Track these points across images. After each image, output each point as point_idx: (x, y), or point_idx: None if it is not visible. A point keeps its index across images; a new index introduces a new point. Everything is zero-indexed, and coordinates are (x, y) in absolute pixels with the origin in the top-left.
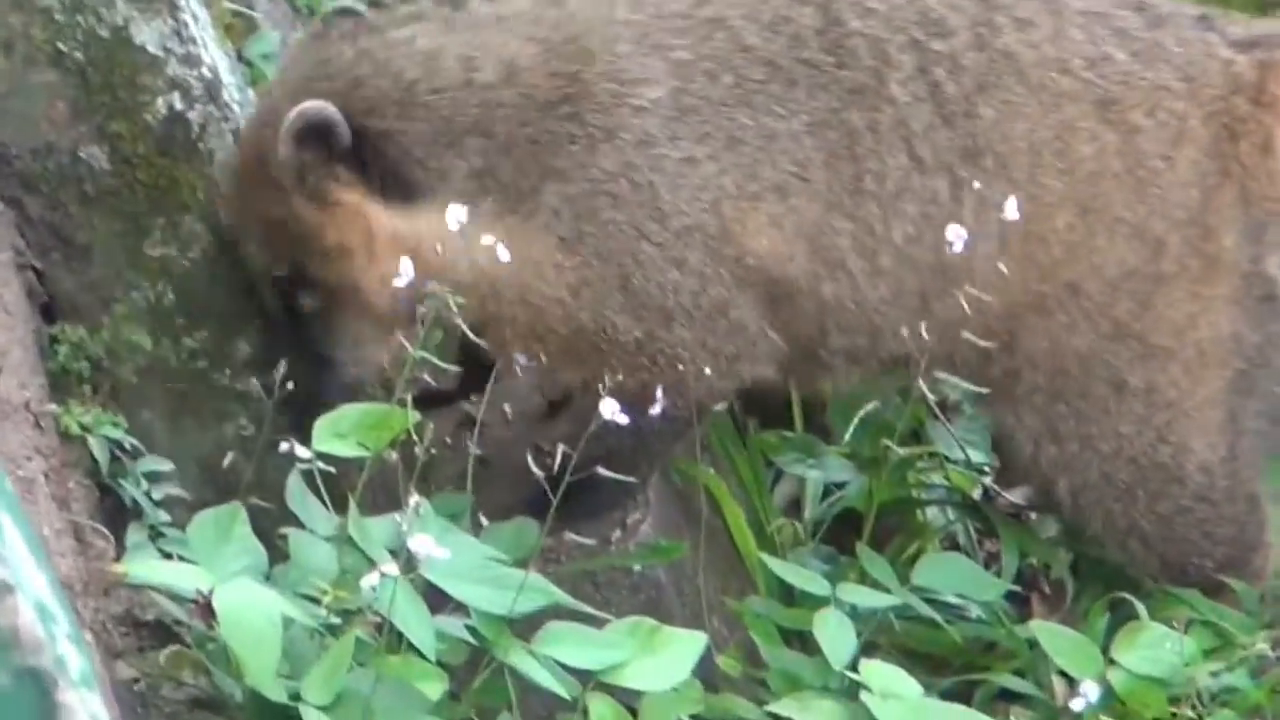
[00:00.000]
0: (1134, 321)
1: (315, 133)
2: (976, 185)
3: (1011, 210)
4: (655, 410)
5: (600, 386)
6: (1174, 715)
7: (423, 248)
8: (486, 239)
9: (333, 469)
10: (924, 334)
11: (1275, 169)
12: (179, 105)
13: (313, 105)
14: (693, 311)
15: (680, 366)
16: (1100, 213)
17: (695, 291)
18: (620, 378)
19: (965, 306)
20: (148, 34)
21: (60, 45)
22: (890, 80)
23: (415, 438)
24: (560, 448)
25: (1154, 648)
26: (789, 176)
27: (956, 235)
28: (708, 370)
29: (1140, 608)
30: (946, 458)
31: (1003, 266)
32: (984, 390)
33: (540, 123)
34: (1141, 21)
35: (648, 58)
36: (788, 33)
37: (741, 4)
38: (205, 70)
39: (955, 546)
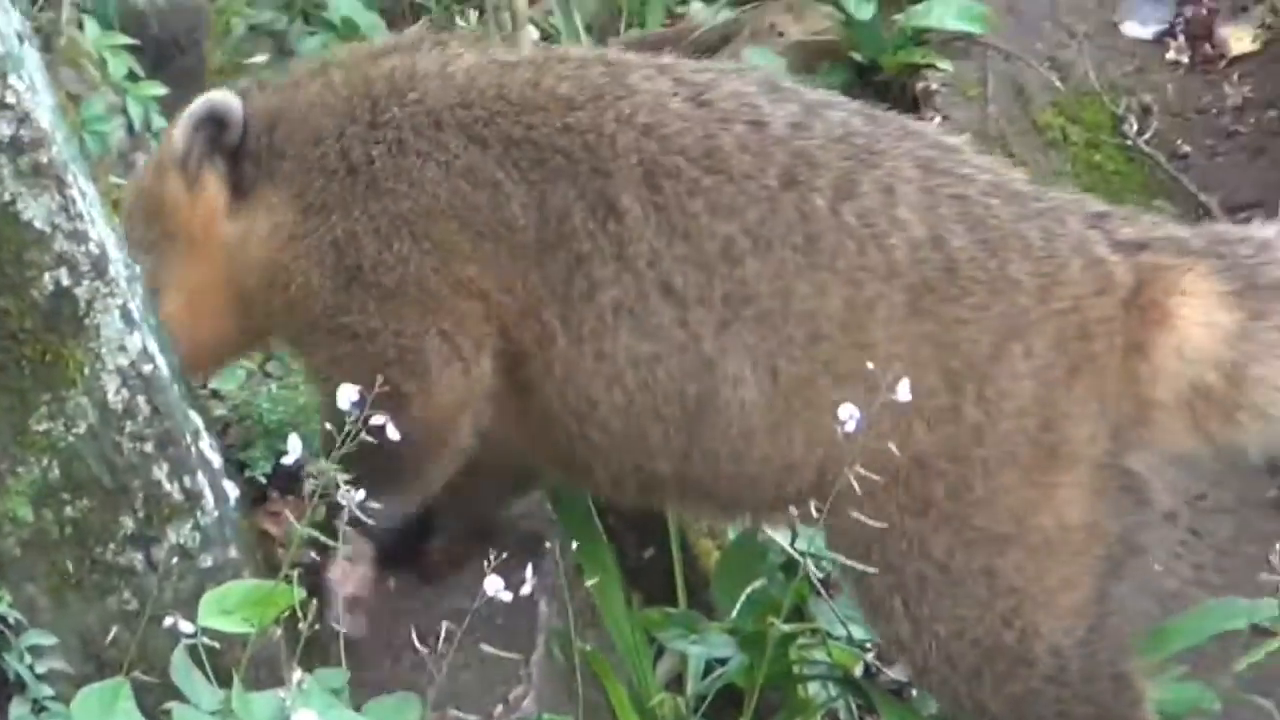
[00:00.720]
0: (949, 503)
1: (213, 121)
2: (742, 334)
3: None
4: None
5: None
6: None
7: (225, 249)
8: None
9: (217, 644)
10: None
11: (1139, 371)
12: (66, 281)
13: (221, 96)
14: (395, 289)
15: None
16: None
17: (402, 276)
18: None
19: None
20: (35, 210)
21: None
22: (634, 198)
23: (300, 614)
24: (445, 625)
25: None
26: (507, 235)
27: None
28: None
29: None
30: (829, 634)
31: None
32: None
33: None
34: (1008, 212)
35: (428, 69)
36: (546, 109)
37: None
38: (93, 246)
39: None
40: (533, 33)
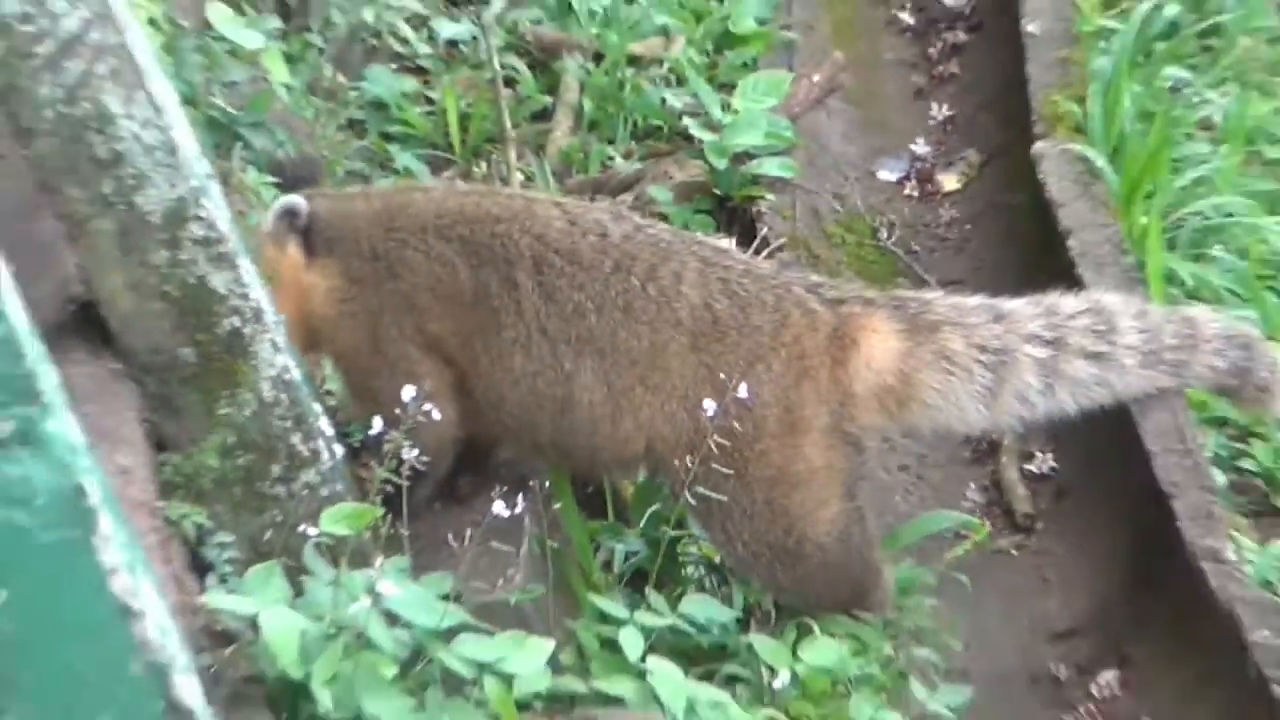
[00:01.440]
0: (729, 462)
1: (289, 212)
2: (588, 360)
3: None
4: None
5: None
6: (834, 691)
7: (304, 289)
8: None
9: (331, 542)
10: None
11: (840, 376)
12: (238, 324)
13: (293, 198)
14: (394, 362)
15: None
16: (692, 400)
17: (398, 348)
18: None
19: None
20: (218, 280)
21: (165, 288)
22: (527, 277)
23: (381, 525)
24: (469, 531)
25: (823, 650)
26: (456, 296)
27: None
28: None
29: (815, 625)
30: (699, 537)
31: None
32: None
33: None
34: (754, 286)
35: (421, 198)
36: (483, 221)
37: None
38: (252, 302)
39: (704, 589)
40: (519, 175)
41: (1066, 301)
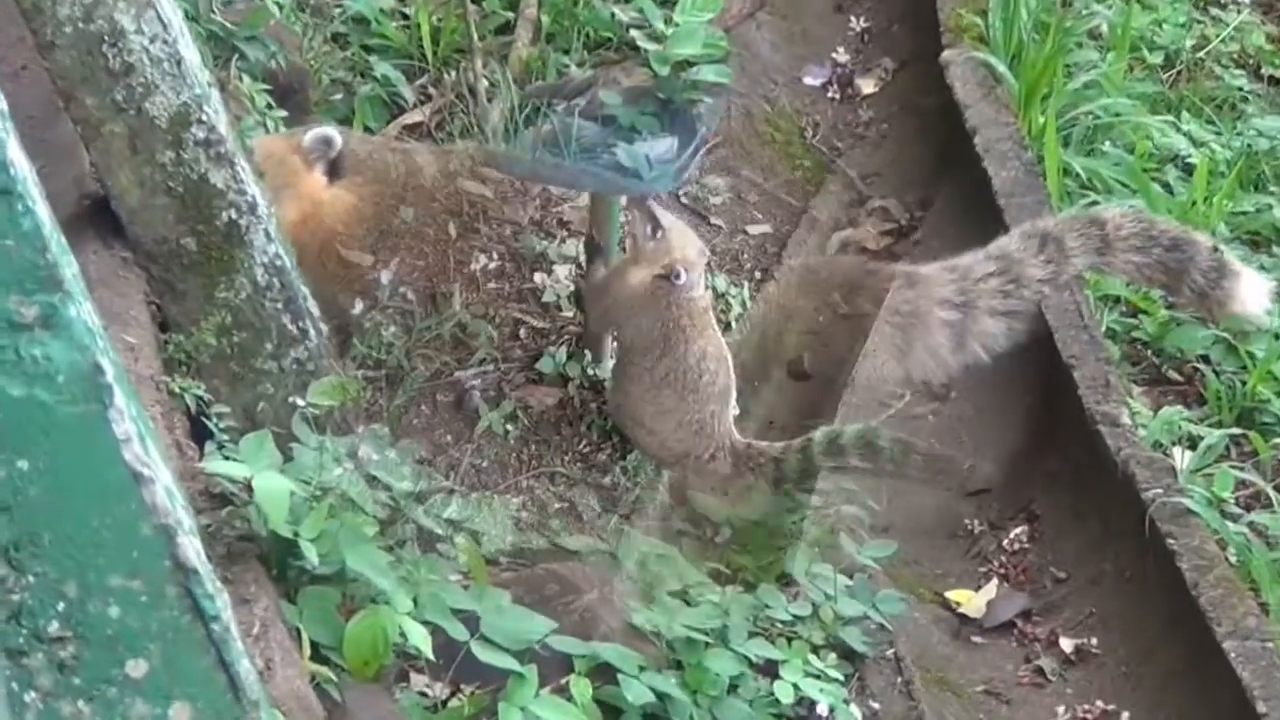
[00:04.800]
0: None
1: (326, 141)
2: None
3: None
4: None
5: None
6: (771, 545)
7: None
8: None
9: (318, 412)
10: None
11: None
12: (234, 216)
13: (334, 131)
14: None
15: None
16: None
17: None
18: None
19: None
20: (217, 177)
21: (170, 184)
22: None
23: (358, 399)
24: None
25: (758, 499)
26: None
27: None
28: None
29: None
30: None
31: None
32: None
33: None
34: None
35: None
36: None
37: None
38: (248, 197)
39: None
40: (484, 83)
41: (976, 263)
